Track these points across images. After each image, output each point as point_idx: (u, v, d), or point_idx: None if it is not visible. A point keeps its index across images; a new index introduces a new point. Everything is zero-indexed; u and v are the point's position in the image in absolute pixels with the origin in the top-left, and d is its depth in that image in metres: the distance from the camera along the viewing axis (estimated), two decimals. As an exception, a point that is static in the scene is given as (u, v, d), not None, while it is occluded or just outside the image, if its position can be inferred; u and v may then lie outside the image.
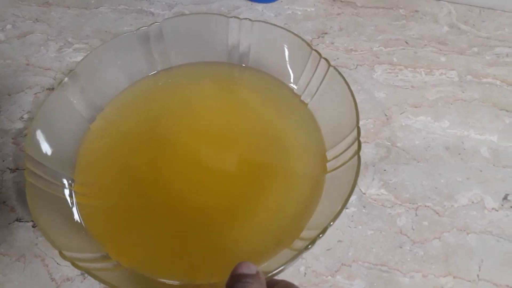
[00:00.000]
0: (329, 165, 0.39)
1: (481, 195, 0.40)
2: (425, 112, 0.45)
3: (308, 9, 0.54)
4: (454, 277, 0.36)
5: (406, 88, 0.47)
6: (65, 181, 0.38)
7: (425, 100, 0.46)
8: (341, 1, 0.55)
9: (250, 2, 0.54)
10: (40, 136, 0.37)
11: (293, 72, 0.44)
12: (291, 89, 0.44)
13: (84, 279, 0.35)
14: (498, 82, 0.47)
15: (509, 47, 0.50)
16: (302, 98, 0.43)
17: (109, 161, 0.40)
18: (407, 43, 0.51)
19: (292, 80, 0.44)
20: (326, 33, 0.51)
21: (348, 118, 0.38)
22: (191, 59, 0.46)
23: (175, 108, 0.44)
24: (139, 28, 0.43)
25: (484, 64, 0.49)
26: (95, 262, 0.33)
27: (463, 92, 0.47)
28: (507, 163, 0.42)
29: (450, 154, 0.42)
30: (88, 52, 0.49)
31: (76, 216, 0.37)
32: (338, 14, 0.54)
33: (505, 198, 0.40)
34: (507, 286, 0.35)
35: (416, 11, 0.54)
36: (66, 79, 0.39)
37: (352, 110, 0.37)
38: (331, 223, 0.32)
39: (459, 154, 0.43)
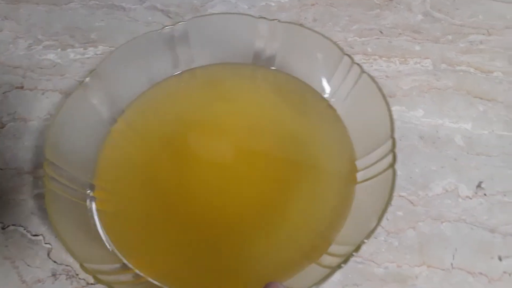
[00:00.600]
0: (359, 176, 0.38)
1: (455, 183, 0.40)
2: (399, 102, 0.45)
3: (282, 0, 0.53)
4: (428, 266, 0.36)
5: (381, 78, 0.46)
6: (85, 187, 0.37)
7: (400, 89, 0.46)
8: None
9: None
10: (60, 139, 0.36)
11: (322, 77, 0.43)
12: (319, 94, 0.43)
13: (56, 280, 0.35)
14: (472, 70, 0.47)
15: (483, 34, 0.50)
16: (331, 103, 0.42)
17: (130, 166, 0.39)
18: (381, 32, 0.50)
19: (321, 85, 0.43)
20: (300, 24, 0.51)
21: (381, 127, 0.36)
22: (215, 60, 0.45)
23: (198, 112, 0.42)
24: (164, 27, 0.42)
25: (458, 52, 0.49)
26: (114, 273, 0.32)
27: (437, 81, 0.46)
28: (481, 150, 0.42)
29: (425, 143, 0.42)
30: (59, 49, 0.48)
31: (96, 223, 0.35)
32: (313, 4, 0.53)
33: (478, 185, 0.40)
34: (480, 273, 0.36)
35: (390, 0, 0.54)
36: (87, 79, 0.38)
37: (386, 119, 0.36)
38: (365, 240, 0.31)
39: (434, 143, 0.42)
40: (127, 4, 0.53)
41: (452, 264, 0.36)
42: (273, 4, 0.53)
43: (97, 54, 0.48)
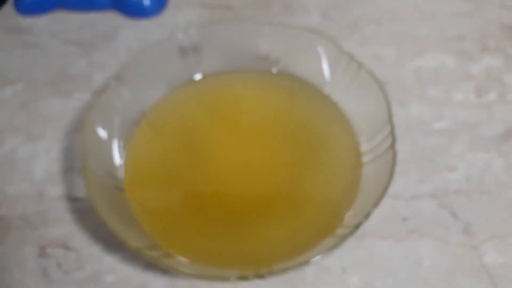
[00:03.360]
0: (365, 159, 0.41)
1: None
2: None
3: (192, 19, 0.57)
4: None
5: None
6: (116, 179, 0.41)
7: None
8: (220, 7, 0.58)
9: (132, 20, 0.57)
10: (93, 134, 0.40)
11: (322, 75, 0.46)
12: (321, 89, 0.46)
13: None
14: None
15: (370, 25, 0.55)
16: (332, 97, 0.46)
17: (154, 161, 0.43)
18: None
19: (322, 81, 0.46)
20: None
21: (380, 115, 0.40)
22: (226, 65, 0.48)
23: (212, 113, 0.47)
24: (174, 34, 0.45)
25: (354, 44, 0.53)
26: (151, 250, 0.36)
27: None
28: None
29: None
30: None
31: (129, 211, 0.39)
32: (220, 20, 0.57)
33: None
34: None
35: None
36: (111, 82, 0.42)
37: (383, 107, 0.40)
38: (372, 209, 0.34)
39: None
40: (41, 41, 0.55)
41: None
42: (182, 23, 0.56)
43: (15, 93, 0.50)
